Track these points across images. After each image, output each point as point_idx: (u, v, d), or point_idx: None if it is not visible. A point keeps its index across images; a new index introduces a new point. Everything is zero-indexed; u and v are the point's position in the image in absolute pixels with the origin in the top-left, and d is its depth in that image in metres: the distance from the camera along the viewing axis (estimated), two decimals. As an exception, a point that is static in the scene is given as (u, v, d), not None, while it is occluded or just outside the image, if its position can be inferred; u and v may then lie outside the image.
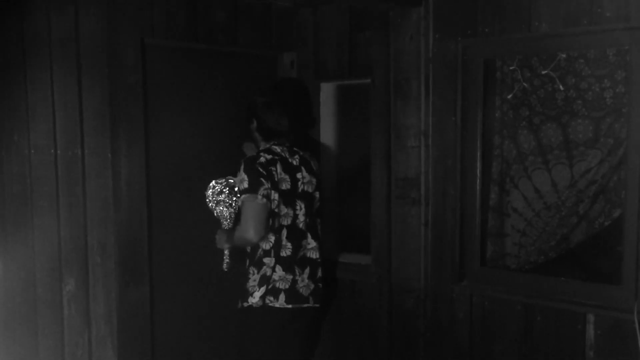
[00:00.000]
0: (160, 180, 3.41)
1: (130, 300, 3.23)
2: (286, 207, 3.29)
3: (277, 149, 3.36)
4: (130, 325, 3.24)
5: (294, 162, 3.37)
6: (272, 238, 3.27)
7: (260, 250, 3.28)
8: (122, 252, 3.18)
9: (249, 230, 3.16)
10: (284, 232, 3.30)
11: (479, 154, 3.47)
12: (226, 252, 3.38)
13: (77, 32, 3.04)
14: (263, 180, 3.19)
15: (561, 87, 3.46)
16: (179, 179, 3.48)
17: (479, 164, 3.48)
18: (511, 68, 3.57)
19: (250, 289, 3.27)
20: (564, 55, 3.42)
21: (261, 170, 3.21)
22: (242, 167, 3.22)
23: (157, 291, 3.39)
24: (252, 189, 3.17)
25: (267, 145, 3.37)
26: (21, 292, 3.05)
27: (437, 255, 3.61)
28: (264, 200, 3.17)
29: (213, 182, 3.38)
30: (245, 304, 3.28)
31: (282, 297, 3.27)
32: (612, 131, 3.34)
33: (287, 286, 3.28)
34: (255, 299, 3.25)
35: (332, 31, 3.95)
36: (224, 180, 3.38)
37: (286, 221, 3.30)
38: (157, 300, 3.40)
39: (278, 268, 3.27)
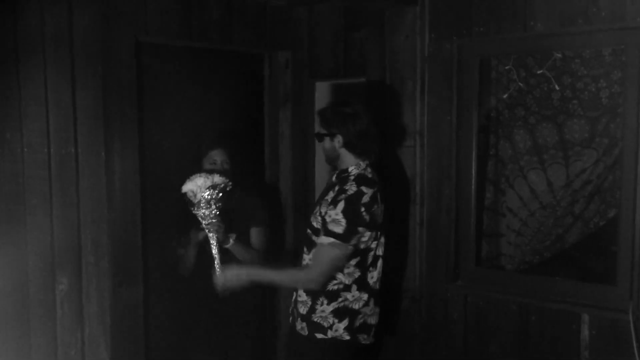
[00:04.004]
0: (154, 179, 3.39)
1: (123, 300, 3.21)
2: (383, 235, 3.03)
3: (369, 172, 3.01)
4: (124, 325, 3.22)
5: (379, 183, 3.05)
6: (357, 273, 2.98)
7: (336, 283, 2.97)
8: (116, 251, 3.16)
9: (318, 279, 2.89)
10: (380, 264, 3.04)
11: (474, 153, 3.47)
12: (217, 264, 3.09)
13: (71, 29, 3.01)
14: (361, 228, 2.86)
15: (557, 87, 3.45)
16: (173, 178, 3.46)
17: (474, 164, 3.48)
18: (507, 67, 3.57)
19: (321, 320, 2.97)
20: (559, 55, 3.42)
21: (364, 214, 2.87)
22: (342, 204, 2.85)
23: (150, 291, 3.37)
24: (345, 237, 2.84)
25: (360, 170, 3.00)
26: (14, 292, 3.03)
27: (432, 255, 3.60)
28: (352, 248, 2.87)
29: (212, 181, 3.07)
30: (320, 336, 2.97)
31: (372, 332, 3.05)
32: (608, 131, 3.34)
33: (376, 321, 3.06)
34: (338, 332, 2.96)
35: (327, 30, 3.94)
36: (218, 182, 3.09)
37: (380, 250, 3.04)
38: (151, 300, 3.38)
39: (372, 302, 3.02)
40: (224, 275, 3.01)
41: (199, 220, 3.11)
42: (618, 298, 3.04)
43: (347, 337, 2.99)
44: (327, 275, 2.91)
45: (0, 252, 3.00)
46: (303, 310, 3.02)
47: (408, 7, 3.55)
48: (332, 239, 2.86)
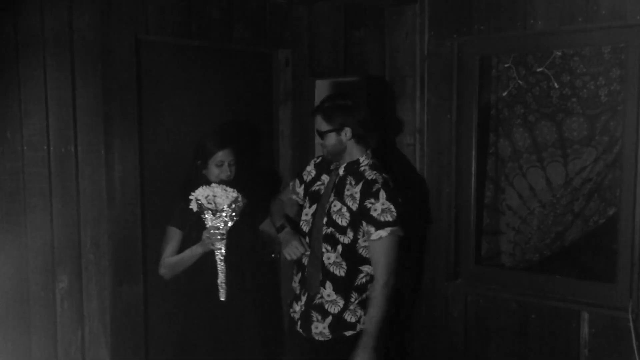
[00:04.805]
0: (154, 177, 3.39)
1: (123, 299, 3.20)
2: None
3: (376, 160, 3.05)
4: (124, 324, 3.22)
5: None
6: None
7: (363, 276, 3.00)
8: (116, 250, 3.16)
9: (393, 275, 2.88)
10: None
11: (474, 151, 3.47)
12: (221, 280, 3.01)
13: (71, 28, 3.01)
14: (400, 211, 2.91)
15: (556, 85, 3.46)
16: (173, 176, 3.46)
17: (474, 162, 3.48)
18: (506, 65, 3.57)
19: (351, 314, 2.97)
20: (559, 53, 3.42)
21: (399, 199, 2.93)
22: (383, 193, 2.87)
23: (151, 289, 3.36)
24: (398, 221, 2.87)
25: (370, 159, 3.03)
26: (14, 290, 3.03)
27: (432, 253, 3.60)
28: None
29: (235, 195, 2.99)
30: (349, 333, 2.97)
31: None
32: (607, 129, 3.34)
33: None
34: (355, 319, 2.99)
35: (327, 28, 3.94)
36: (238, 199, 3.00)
37: None
38: (151, 299, 3.37)
39: None
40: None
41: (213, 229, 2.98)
42: (618, 296, 3.04)
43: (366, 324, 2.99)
44: (396, 265, 2.91)
45: (1, 250, 3.00)
46: (334, 309, 2.99)
47: (408, 6, 3.56)
48: (389, 228, 2.86)
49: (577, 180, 3.47)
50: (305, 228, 3.11)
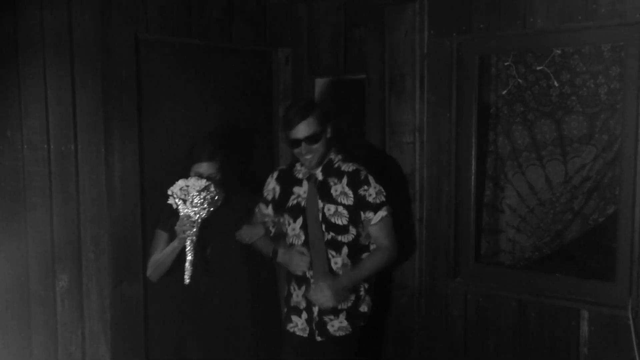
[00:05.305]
0: (154, 176, 3.39)
1: (123, 297, 3.21)
2: None
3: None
4: (124, 322, 3.23)
5: None
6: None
7: None
8: (116, 248, 3.17)
9: (396, 247, 3.09)
10: None
11: (473, 150, 3.47)
12: (188, 264, 3.02)
13: (71, 27, 3.02)
14: None
15: (556, 83, 3.46)
16: (173, 174, 3.46)
17: (473, 160, 3.48)
18: (506, 64, 3.57)
19: (364, 304, 3.14)
20: (558, 51, 3.42)
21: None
22: (371, 178, 3.04)
23: (150, 288, 3.37)
24: (389, 199, 3.06)
25: (339, 154, 3.15)
26: (14, 288, 3.05)
27: (432, 251, 3.60)
28: None
29: (208, 185, 3.01)
30: (363, 323, 3.15)
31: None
32: (607, 127, 3.34)
33: None
34: (369, 310, 3.17)
35: (327, 27, 3.94)
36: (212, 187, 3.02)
37: None
38: (151, 297, 3.38)
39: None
40: (325, 293, 2.92)
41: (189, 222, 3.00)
42: (617, 294, 3.04)
43: (370, 312, 3.15)
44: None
45: (1, 248, 3.01)
46: (346, 304, 3.05)
47: (408, 4, 3.55)
48: (385, 207, 3.04)
49: (576, 179, 3.46)
50: (298, 243, 3.11)
